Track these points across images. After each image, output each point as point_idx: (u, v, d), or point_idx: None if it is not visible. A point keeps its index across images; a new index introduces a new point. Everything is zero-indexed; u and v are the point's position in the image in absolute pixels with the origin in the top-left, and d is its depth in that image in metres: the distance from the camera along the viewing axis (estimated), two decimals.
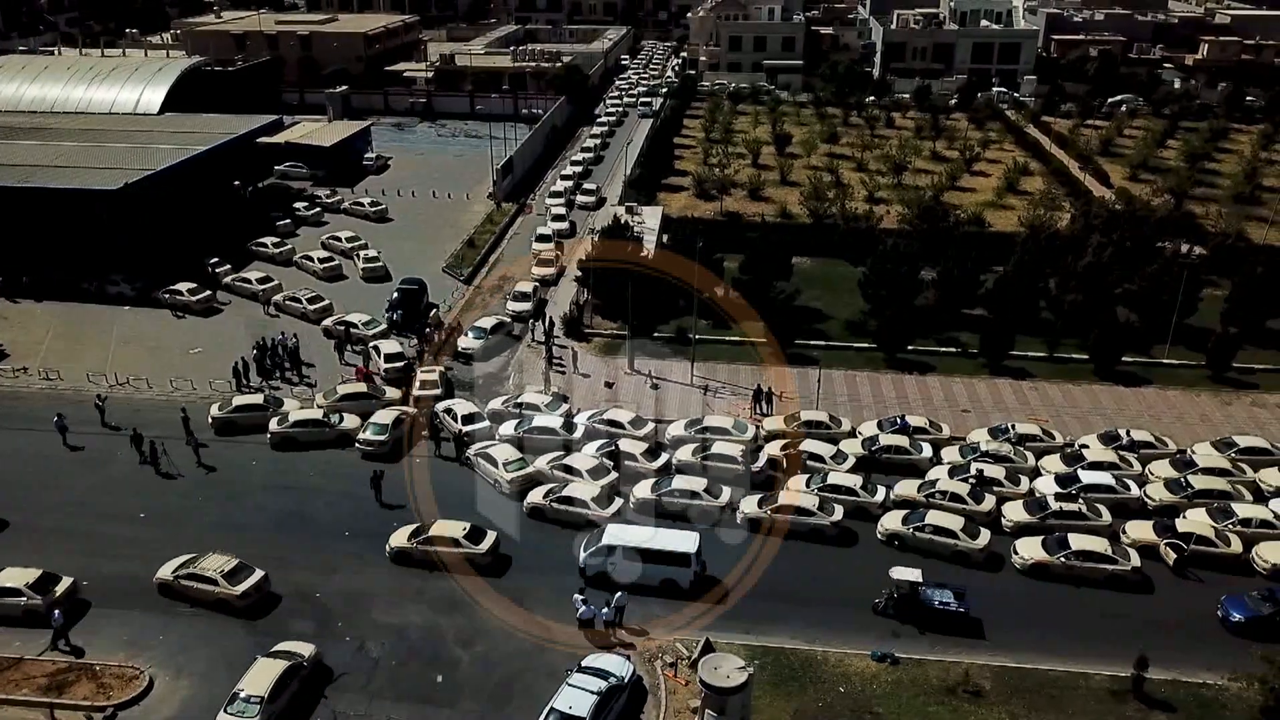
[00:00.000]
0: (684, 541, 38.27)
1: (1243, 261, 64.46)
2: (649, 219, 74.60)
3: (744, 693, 30.64)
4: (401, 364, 54.74)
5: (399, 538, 40.11)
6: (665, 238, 70.77)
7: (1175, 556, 39.92)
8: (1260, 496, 44.44)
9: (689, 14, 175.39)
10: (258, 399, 50.79)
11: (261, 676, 32.41)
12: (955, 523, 40.57)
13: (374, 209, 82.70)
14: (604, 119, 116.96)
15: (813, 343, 58.75)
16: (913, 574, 36.85)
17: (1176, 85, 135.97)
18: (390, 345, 56.21)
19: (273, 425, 48.51)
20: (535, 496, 43.03)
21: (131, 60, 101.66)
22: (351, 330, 58.33)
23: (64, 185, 65.61)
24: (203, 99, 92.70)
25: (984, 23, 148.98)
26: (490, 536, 39.98)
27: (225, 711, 31.67)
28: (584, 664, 33.18)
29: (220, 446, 48.38)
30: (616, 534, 38.77)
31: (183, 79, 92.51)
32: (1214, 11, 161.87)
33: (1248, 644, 34.96)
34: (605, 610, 35.87)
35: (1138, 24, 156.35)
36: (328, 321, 60.22)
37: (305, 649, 34.16)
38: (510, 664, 34.78)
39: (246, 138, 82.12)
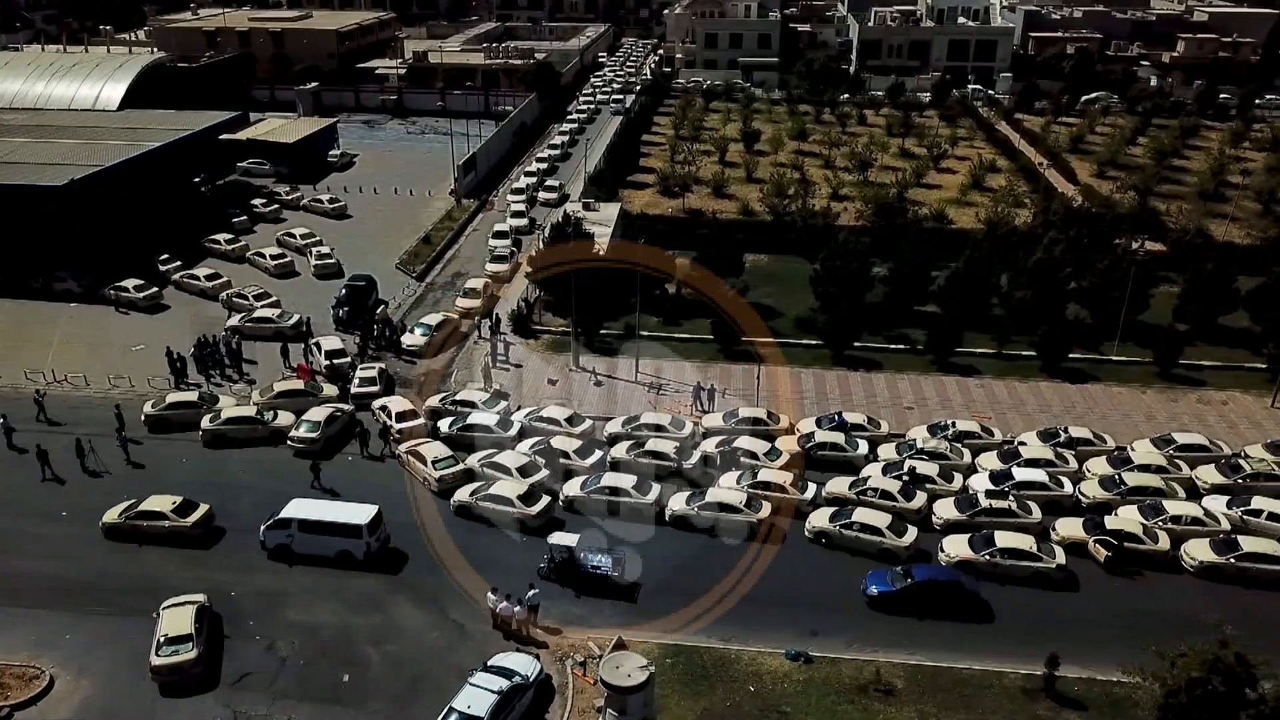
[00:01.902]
0: (357, 514, 39.21)
1: (1200, 258, 64.17)
2: (605, 215, 74.14)
3: (645, 692, 30.19)
4: (343, 360, 54.25)
5: (112, 514, 40.83)
6: (621, 234, 70.43)
7: (1106, 554, 39.58)
8: (1195, 494, 44.18)
9: (666, 11, 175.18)
10: (191, 396, 50.30)
11: (178, 620, 34.12)
12: (882, 520, 40.19)
13: (332, 205, 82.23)
14: (574, 116, 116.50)
15: (760, 340, 58.19)
16: (570, 539, 37.97)
17: (1153, 83, 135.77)
18: (331, 341, 55.72)
19: (204, 422, 48.00)
20: (462, 494, 42.57)
21: (93, 56, 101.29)
22: (303, 328, 57.91)
23: (9, 182, 65.04)
24: (167, 95, 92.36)
25: (961, 20, 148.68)
26: (201, 510, 40.89)
27: (157, 655, 32.95)
28: (489, 663, 32.77)
29: (152, 444, 47.86)
30: (294, 508, 39.74)
31: (144, 75, 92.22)
32: (1193, 9, 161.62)
33: (883, 616, 36.55)
34: (518, 608, 35.46)
35: (1116, 21, 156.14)
36: (235, 320, 59.41)
37: (198, 597, 35.61)
38: (420, 663, 34.37)
39: (202, 134, 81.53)
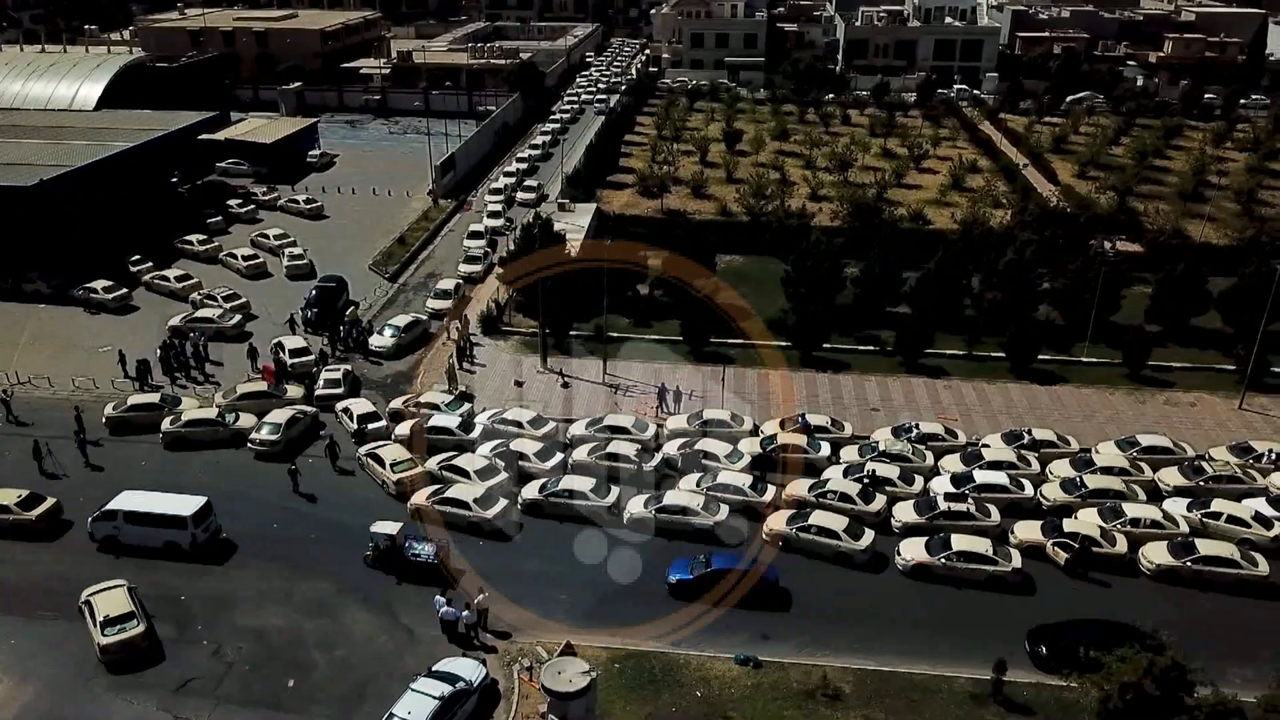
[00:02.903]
0: (183, 505, 39.70)
1: (1176, 259, 63.86)
2: (581, 217, 73.87)
3: (587, 697, 30.09)
4: (301, 360, 54.01)
5: None
6: (594, 235, 70.23)
7: (1066, 557, 39.36)
8: (1158, 496, 43.97)
9: (653, 10, 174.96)
10: (153, 398, 50.06)
11: (114, 601, 34.85)
12: (838, 523, 39.94)
13: (309, 206, 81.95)
14: (558, 116, 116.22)
15: (729, 341, 58.05)
16: (392, 527, 38.48)
17: (1139, 82, 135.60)
18: (294, 342, 55.45)
19: (165, 425, 47.73)
20: (419, 498, 42.31)
21: (72, 56, 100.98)
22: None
23: None
24: (147, 95, 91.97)
25: (948, 20, 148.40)
26: (47, 503, 41.16)
27: (104, 636, 33.63)
28: (433, 668, 32.52)
29: (113, 446, 47.63)
30: (122, 500, 40.11)
31: (122, 75, 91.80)
32: (1180, 9, 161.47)
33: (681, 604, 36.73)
34: (467, 612, 35.25)
35: (1104, 21, 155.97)
36: (175, 320, 58.98)
37: (120, 581, 36.35)
38: (366, 668, 34.10)
39: (178, 134, 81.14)
